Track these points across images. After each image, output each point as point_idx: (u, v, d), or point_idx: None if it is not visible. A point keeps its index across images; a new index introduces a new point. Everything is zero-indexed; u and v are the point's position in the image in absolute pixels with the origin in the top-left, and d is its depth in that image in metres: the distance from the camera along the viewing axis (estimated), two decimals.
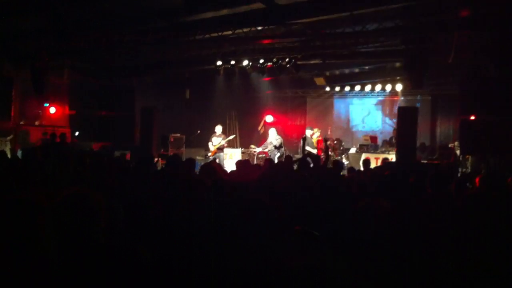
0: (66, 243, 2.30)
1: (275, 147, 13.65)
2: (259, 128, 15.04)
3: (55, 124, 14.99)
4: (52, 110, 15.50)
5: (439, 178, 4.86)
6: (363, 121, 18.20)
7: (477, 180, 6.18)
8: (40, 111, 15.26)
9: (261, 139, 15.85)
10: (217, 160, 12.19)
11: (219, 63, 13.60)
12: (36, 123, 15.42)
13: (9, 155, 10.91)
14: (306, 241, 2.69)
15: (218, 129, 14.16)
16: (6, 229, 2.33)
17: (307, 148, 12.73)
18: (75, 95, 14.67)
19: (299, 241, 2.70)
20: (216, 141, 13.85)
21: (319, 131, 14.49)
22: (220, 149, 13.82)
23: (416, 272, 2.94)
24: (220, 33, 11.33)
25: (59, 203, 2.35)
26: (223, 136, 14.05)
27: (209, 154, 13.86)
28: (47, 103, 15.33)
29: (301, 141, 12.37)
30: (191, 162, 6.97)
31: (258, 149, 14.28)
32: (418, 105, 15.81)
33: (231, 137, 14.96)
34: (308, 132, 14.03)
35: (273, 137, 13.79)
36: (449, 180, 5.37)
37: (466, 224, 3.66)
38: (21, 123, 14.62)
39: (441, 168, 10.32)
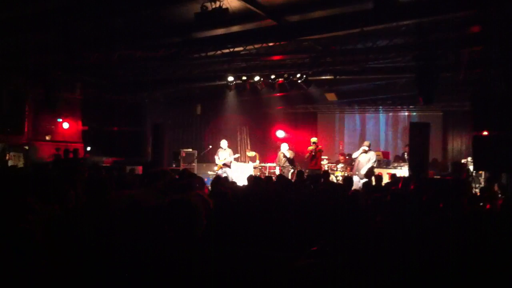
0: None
1: (288, 160, 13.65)
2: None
3: (67, 139, 15.08)
4: (65, 125, 15.60)
5: (451, 193, 4.83)
6: (375, 136, 18.12)
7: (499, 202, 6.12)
8: (53, 126, 15.35)
9: (273, 154, 15.83)
10: (224, 175, 12.15)
11: (230, 78, 13.62)
12: (49, 138, 15.53)
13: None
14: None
15: (224, 143, 14.05)
16: None
17: None
18: (87, 111, 14.80)
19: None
20: (222, 156, 13.81)
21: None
22: (227, 165, 13.75)
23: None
24: (231, 49, 11.40)
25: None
26: (229, 151, 13.98)
27: (216, 168, 13.85)
28: (60, 118, 15.45)
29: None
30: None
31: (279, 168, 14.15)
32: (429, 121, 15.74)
33: (236, 155, 14.93)
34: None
35: (285, 149, 13.81)
36: (462, 196, 5.32)
37: (480, 240, 3.62)
38: (34, 138, 14.73)
39: (453, 184, 10.22)
